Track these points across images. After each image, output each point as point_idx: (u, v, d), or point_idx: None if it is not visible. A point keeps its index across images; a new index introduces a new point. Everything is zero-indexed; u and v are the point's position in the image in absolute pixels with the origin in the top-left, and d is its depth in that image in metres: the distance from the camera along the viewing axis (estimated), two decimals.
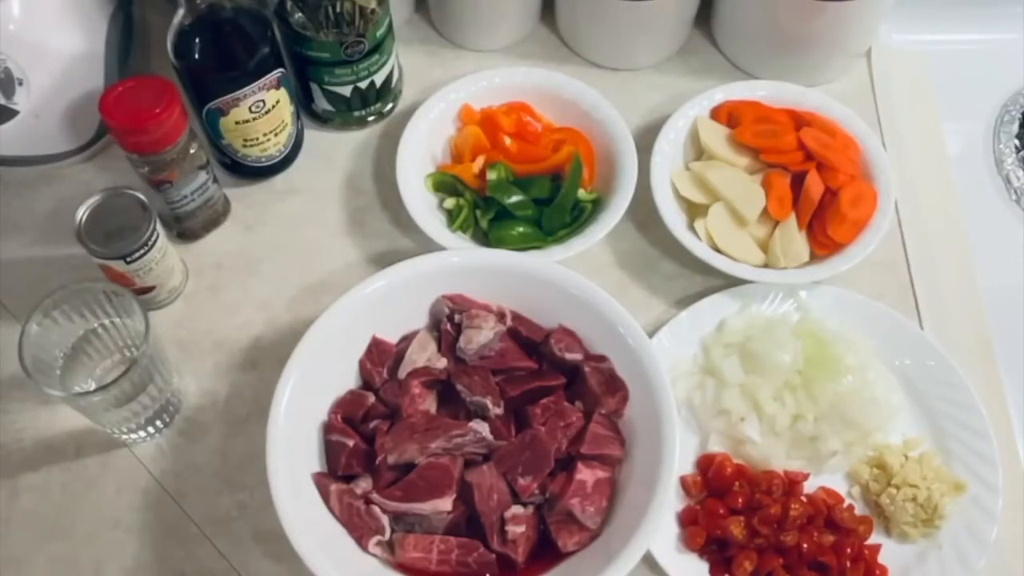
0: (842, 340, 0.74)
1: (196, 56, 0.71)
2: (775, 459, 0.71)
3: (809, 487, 0.71)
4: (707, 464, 0.71)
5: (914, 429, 0.74)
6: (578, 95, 0.83)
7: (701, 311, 0.76)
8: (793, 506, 0.68)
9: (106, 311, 0.68)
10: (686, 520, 0.70)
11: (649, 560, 0.68)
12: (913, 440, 0.73)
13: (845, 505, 0.70)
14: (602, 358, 0.69)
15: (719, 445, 0.72)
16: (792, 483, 0.70)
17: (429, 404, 0.69)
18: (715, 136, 0.81)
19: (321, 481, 0.65)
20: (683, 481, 0.71)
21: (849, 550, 0.68)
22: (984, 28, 0.94)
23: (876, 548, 0.69)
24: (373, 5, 0.75)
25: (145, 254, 0.70)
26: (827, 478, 0.72)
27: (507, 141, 0.81)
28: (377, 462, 0.65)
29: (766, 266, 0.77)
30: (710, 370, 0.75)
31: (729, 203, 0.78)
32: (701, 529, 0.69)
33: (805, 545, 0.67)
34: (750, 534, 0.68)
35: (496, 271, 0.71)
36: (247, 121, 0.76)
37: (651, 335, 0.74)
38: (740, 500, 0.69)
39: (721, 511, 0.69)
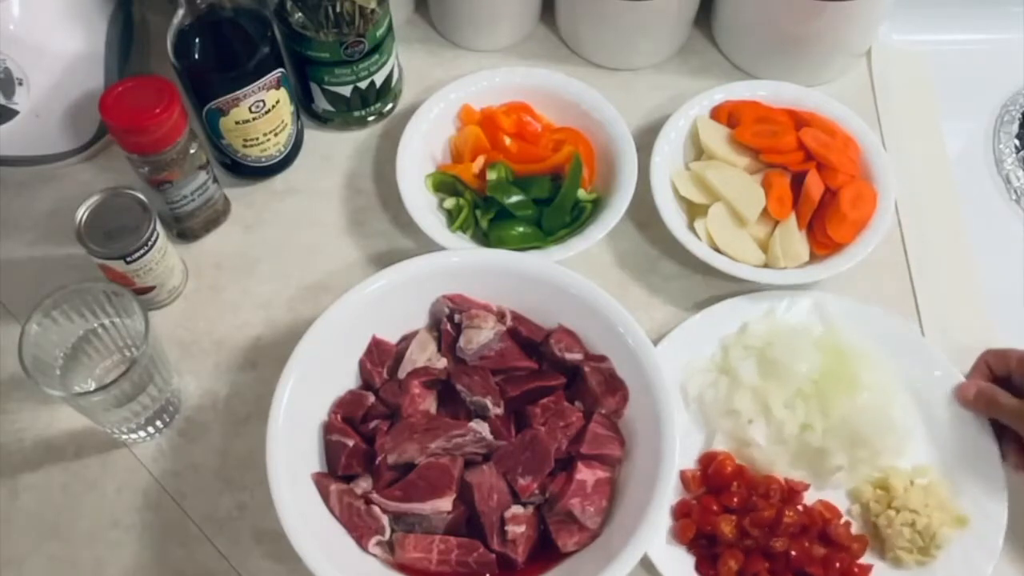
0: (864, 357, 0.73)
1: (196, 56, 0.71)
2: (778, 466, 0.71)
3: (809, 499, 0.71)
4: (709, 461, 0.71)
5: (926, 455, 0.72)
6: (578, 95, 0.83)
7: (720, 313, 0.76)
8: (788, 512, 0.68)
9: (106, 311, 0.68)
10: (679, 513, 0.70)
11: None
12: (922, 468, 0.71)
13: (842, 521, 0.69)
14: (602, 358, 0.69)
15: (724, 445, 0.72)
16: (792, 491, 0.70)
17: (429, 404, 0.69)
18: (715, 136, 0.81)
19: (321, 481, 0.65)
20: (683, 475, 0.71)
21: (839, 564, 0.67)
22: (984, 28, 0.94)
23: (867, 568, 0.68)
24: (373, 5, 0.75)
25: (145, 254, 0.70)
26: (830, 493, 0.71)
27: (507, 141, 0.81)
28: (377, 462, 0.65)
29: (766, 266, 0.77)
30: (726, 369, 0.74)
31: (729, 203, 0.78)
32: (692, 523, 0.69)
33: (794, 552, 0.67)
34: (740, 534, 0.68)
35: (496, 271, 0.71)
36: (247, 121, 0.76)
37: (657, 336, 0.74)
38: (736, 500, 0.69)
39: (715, 508, 0.69)
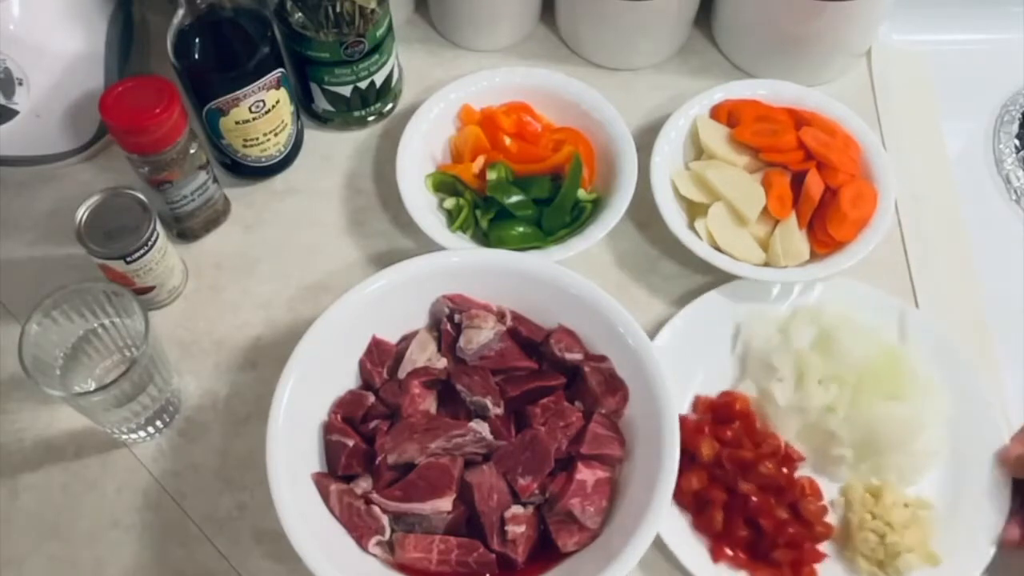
0: (921, 379, 0.72)
1: (196, 56, 0.71)
2: (785, 431, 0.72)
3: (801, 474, 0.71)
4: (725, 396, 0.73)
5: (935, 488, 0.71)
6: (578, 95, 0.83)
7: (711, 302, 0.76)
8: (767, 464, 0.69)
9: (106, 311, 0.68)
10: None
11: None
12: (924, 501, 0.70)
13: (819, 503, 0.70)
14: (602, 358, 0.69)
15: (748, 391, 0.74)
16: (787, 457, 0.71)
17: (429, 404, 0.69)
18: (715, 135, 0.81)
19: (321, 481, 0.65)
20: (696, 399, 0.73)
21: (791, 530, 0.68)
22: (984, 28, 0.94)
23: (819, 555, 0.68)
24: (373, 5, 0.75)
25: (145, 254, 0.70)
26: (825, 482, 0.71)
27: (507, 141, 0.81)
28: (377, 462, 0.65)
29: (767, 265, 0.77)
30: (784, 328, 0.75)
31: (729, 202, 0.78)
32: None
33: (755, 499, 0.68)
34: (715, 462, 0.69)
35: (496, 271, 0.71)
36: (247, 121, 0.76)
37: (650, 333, 0.75)
38: (729, 434, 0.70)
39: (706, 430, 0.71)
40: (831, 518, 0.70)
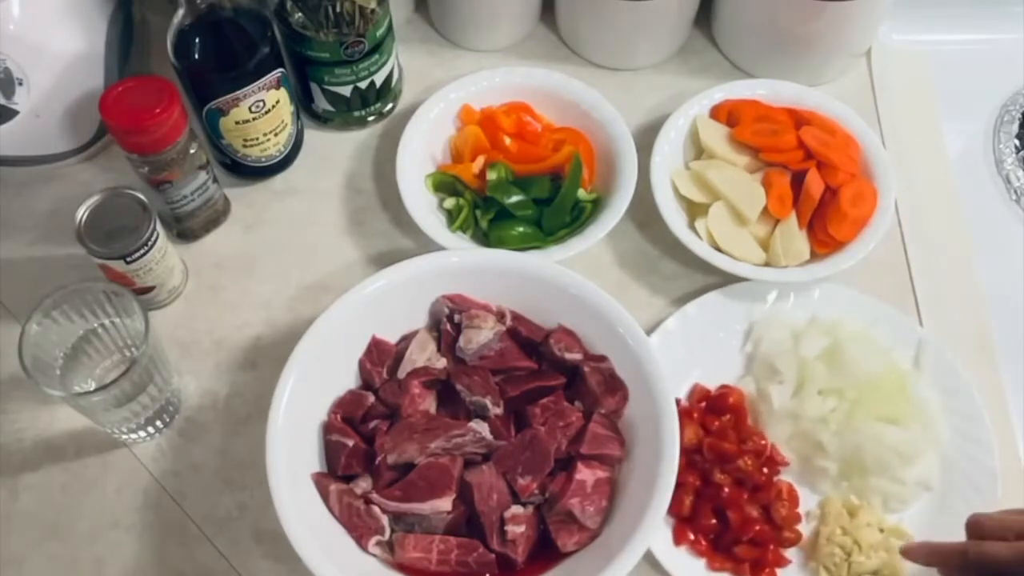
0: (923, 409, 0.72)
1: (196, 56, 0.71)
2: (774, 434, 0.72)
3: (783, 479, 0.71)
4: (722, 389, 0.74)
5: (921, 519, 0.70)
6: (578, 95, 0.83)
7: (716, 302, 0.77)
8: (746, 459, 0.69)
9: (106, 311, 0.68)
10: None
11: None
12: (902, 531, 0.69)
13: (795, 510, 0.69)
14: (602, 358, 0.69)
15: (747, 388, 0.74)
16: (771, 459, 0.71)
17: (429, 404, 0.69)
18: (715, 135, 0.81)
19: (321, 481, 0.65)
20: (694, 387, 0.74)
21: (758, 528, 0.68)
22: (984, 28, 0.94)
23: (782, 559, 0.68)
24: (373, 5, 0.75)
25: (145, 254, 0.70)
26: (808, 494, 0.71)
27: (507, 141, 0.81)
28: (377, 462, 0.65)
29: (767, 264, 0.77)
30: (796, 335, 0.75)
31: (729, 202, 0.78)
32: None
33: (727, 490, 0.68)
34: (696, 447, 0.70)
35: (496, 271, 0.71)
36: (247, 121, 0.76)
37: (650, 332, 0.74)
38: (716, 424, 0.71)
39: (695, 416, 0.71)
40: (804, 527, 0.70)
